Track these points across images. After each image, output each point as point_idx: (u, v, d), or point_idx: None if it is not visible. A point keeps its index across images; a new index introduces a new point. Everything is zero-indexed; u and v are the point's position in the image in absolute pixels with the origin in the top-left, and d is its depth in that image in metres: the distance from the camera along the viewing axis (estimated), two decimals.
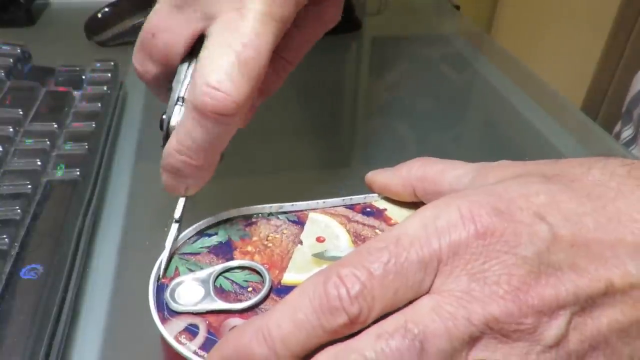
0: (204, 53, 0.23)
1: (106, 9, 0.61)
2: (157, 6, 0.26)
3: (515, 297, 0.17)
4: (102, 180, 0.39)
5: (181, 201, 0.26)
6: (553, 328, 0.17)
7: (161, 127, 0.26)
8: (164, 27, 0.25)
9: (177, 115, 0.25)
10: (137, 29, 0.68)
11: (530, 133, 0.50)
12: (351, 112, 0.54)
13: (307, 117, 0.50)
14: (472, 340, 0.17)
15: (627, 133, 0.58)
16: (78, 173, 0.35)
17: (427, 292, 0.18)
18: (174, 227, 0.26)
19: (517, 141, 0.49)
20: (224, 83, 0.22)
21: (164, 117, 0.26)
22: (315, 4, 0.28)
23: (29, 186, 0.33)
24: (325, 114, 0.52)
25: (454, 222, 0.18)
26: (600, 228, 0.18)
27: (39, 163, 0.35)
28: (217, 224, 0.27)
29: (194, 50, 0.25)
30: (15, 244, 0.29)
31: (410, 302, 0.18)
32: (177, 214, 0.26)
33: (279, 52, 0.28)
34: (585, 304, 0.18)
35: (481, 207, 0.18)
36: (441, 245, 0.18)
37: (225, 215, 0.27)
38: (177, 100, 0.25)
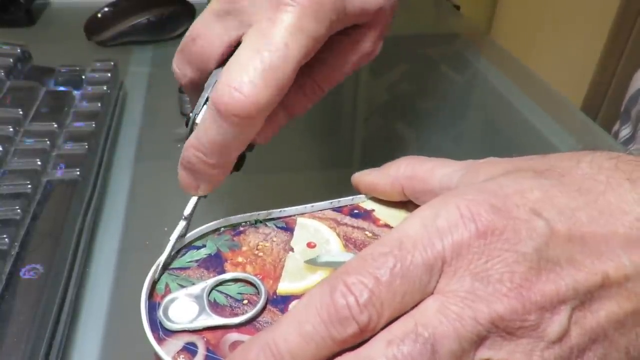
0: (233, 56, 0.24)
1: (106, 9, 0.61)
2: (202, 14, 0.26)
3: (518, 294, 0.17)
4: (102, 180, 0.39)
5: (193, 200, 0.27)
6: (555, 324, 0.18)
7: (187, 125, 0.27)
8: (204, 33, 0.26)
9: (202, 115, 0.26)
10: (137, 29, 0.69)
11: (530, 133, 0.50)
12: (351, 112, 0.54)
13: (307, 117, 0.50)
14: (480, 340, 0.17)
15: (625, 132, 0.58)
16: (78, 173, 0.35)
17: (432, 294, 0.18)
18: (181, 224, 0.26)
19: (517, 141, 0.49)
20: (245, 85, 0.22)
21: (190, 114, 0.26)
22: (350, 33, 0.28)
23: (29, 186, 0.33)
24: (325, 114, 0.52)
25: (454, 222, 0.18)
26: (594, 222, 0.19)
27: (39, 163, 0.35)
28: (204, 236, 0.27)
29: (229, 58, 0.26)
30: (15, 244, 0.29)
31: (416, 305, 0.18)
32: (187, 211, 0.26)
33: (311, 74, 0.29)
34: (584, 297, 0.18)
35: (479, 205, 0.18)
36: (444, 246, 0.18)
37: (211, 226, 0.27)
38: (205, 101, 0.26)
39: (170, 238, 0.25)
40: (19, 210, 0.31)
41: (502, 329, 0.17)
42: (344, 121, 0.53)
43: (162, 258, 0.25)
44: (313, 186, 0.41)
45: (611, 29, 1.13)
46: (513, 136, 0.51)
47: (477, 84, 0.60)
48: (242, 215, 0.27)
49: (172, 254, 0.25)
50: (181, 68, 0.28)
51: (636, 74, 0.59)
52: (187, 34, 0.27)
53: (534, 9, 1.32)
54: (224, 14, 0.25)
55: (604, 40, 1.15)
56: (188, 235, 0.26)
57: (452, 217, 0.18)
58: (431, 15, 0.78)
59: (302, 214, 0.28)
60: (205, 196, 0.27)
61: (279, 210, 0.28)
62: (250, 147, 0.29)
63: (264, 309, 0.23)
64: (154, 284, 0.24)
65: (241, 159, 0.29)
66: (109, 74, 0.47)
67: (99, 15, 0.61)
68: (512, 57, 0.65)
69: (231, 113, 0.23)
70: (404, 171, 0.26)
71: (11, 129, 0.37)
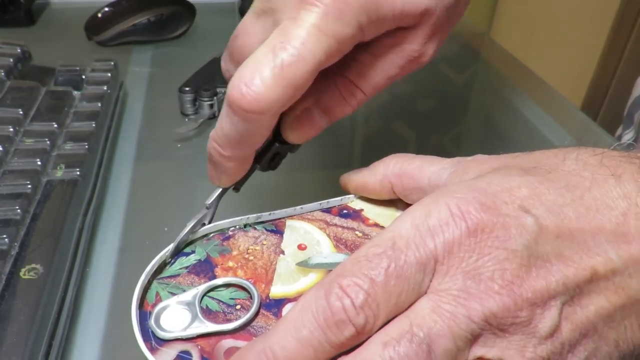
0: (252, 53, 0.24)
1: (106, 9, 0.61)
2: (247, 13, 0.27)
3: (510, 291, 0.18)
4: (102, 180, 0.39)
5: (216, 191, 0.27)
6: (547, 319, 0.18)
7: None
8: (244, 31, 0.27)
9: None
10: (137, 29, 0.69)
11: (530, 133, 0.50)
12: None
13: None
14: (474, 337, 0.18)
15: (628, 136, 0.58)
16: (78, 173, 0.35)
17: (425, 293, 0.18)
18: (203, 212, 0.26)
19: (516, 141, 0.49)
20: (255, 82, 0.22)
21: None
22: (393, 34, 0.26)
23: (29, 186, 0.33)
24: None
25: (445, 221, 0.18)
26: (581, 218, 0.19)
27: (39, 163, 0.35)
28: (193, 242, 0.26)
29: None
30: (15, 244, 0.29)
31: (410, 305, 0.18)
32: (209, 200, 0.27)
33: (347, 74, 0.27)
34: (574, 292, 0.18)
35: (469, 203, 0.19)
36: (436, 245, 0.18)
37: (200, 231, 0.27)
38: None
39: (187, 224, 0.26)
40: (19, 210, 0.31)
41: (495, 326, 0.17)
42: (344, 121, 0.53)
43: (179, 238, 0.25)
44: (312, 186, 0.41)
45: (611, 29, 1.14)
46: (513, 136, 0.51)
47: (477, 84, 0.60)
48: (230, 219, 0.27)
49: (186, 240, 0.26)
50: (225, 65, 0.28)
51: (639, 79, 0.59)
52: (234, 31, 0.28)
53: (534, 9, 1.32)
54: (261, 13, 0.26)
55: (604, 40, 1.15)
56: (179, 237, 0.26)
57: (443, 216, 0.18)
58: None
59: (291, 216, 0.28)
60: (227, 189, 0.27)
61: (267, 213, 0.28)
62: (292, 147, 0.29)
63: (257, 313, 0.23)
64: (144, 291, 0.24)
65: (275, 158, 0.28)
66: (109, 74, 0.47)
67: (99, 15, 0.61)
68: (512, 57, 0.65)
69: (240, 107, 0.23)
70: (392, 169, 0.27)
71: (11, 129, 0.37)
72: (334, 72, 0.26)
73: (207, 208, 0.26)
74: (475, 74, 0.62)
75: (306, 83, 0.23)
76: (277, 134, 0.28)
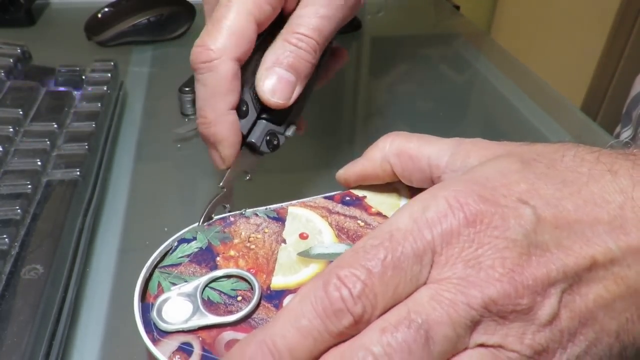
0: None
1: (106, 9, 0.61)
2: None
3: (510, 278, 0.18)
4: (102, 180, 0.39)
5: (226, 173, 0.28)
6: (546, 307, 0.18)
7: None
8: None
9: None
10: (137, 29, 0.69)
11: (530, 133, 0.50)
12: (351, 112, 0.54)
13: (307, 117, 0.50)
14: (474, 325, 0.18)
15: (627, 134, 0.58)
16: (78, 173, 0.35)
17: (425, 284, 0.19)
18: (219, 193, 0.28)
19: (516, 141, 0.49)
20: (203, 38, 0.27)
21: None
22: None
23: (29, 186, 0.33)
24: (325, 114, 0.52)
25: (443, 212, 0.19)
26: (579, 210, 0.19)
27: (39, 163, 0.35)
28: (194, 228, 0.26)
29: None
30: (15, 244, 0.29)
31: (409, 295, 0.18)
32: (222, 182, 0.28)
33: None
34: (573, 280, 0.18)
35: (467, 195, 0.19)
36: (434, 236, 0.18)
37: (187, 231, 0.26)
38: None
39: (207, 207, 0.27)
40: (19, 210, 0.31)
41: (495, 314, 0.18)
42: (344, 121, 0.53)
43: (201, 220, 0.26)
44: (313, 187, 0.41)
45: (611, 29, 1.13)
46: (513, 136, 0.51)
47: (477, 84, 0.60)
48: (227, 214, 0.27)
49: (203, 221, 0.27)
50: None
51: (638, 77, 0.59)
52: None
53: (534, 9, 1.32)
54: None
55: (604, 40, 1.15)
56: (177, 235, 0.26)
57: (440, 209, 0.19)
58: (431, 15, 0.78)
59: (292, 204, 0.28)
60: (237, 172, 0.29)
61: (264, 208, 0.28)
62: (281, 124, 0.30)
63: (258, 305, 0.23)
64: (147, 282, 0.24)
65: (271, 138, 0.30)
66: (109, 74, 0.47)
67: (99, 15, 0.61)
68: (512, 57, 0.65)
69: (197, 62, 0.27)
70: (390, 148, 0.27)
71: (11, 129, 0.37)
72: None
73: (222, 188, 0.28)
74: (475, 74, 0.62)
75: (244, 31, 0.27)
76: (261, 112, 0.29)
